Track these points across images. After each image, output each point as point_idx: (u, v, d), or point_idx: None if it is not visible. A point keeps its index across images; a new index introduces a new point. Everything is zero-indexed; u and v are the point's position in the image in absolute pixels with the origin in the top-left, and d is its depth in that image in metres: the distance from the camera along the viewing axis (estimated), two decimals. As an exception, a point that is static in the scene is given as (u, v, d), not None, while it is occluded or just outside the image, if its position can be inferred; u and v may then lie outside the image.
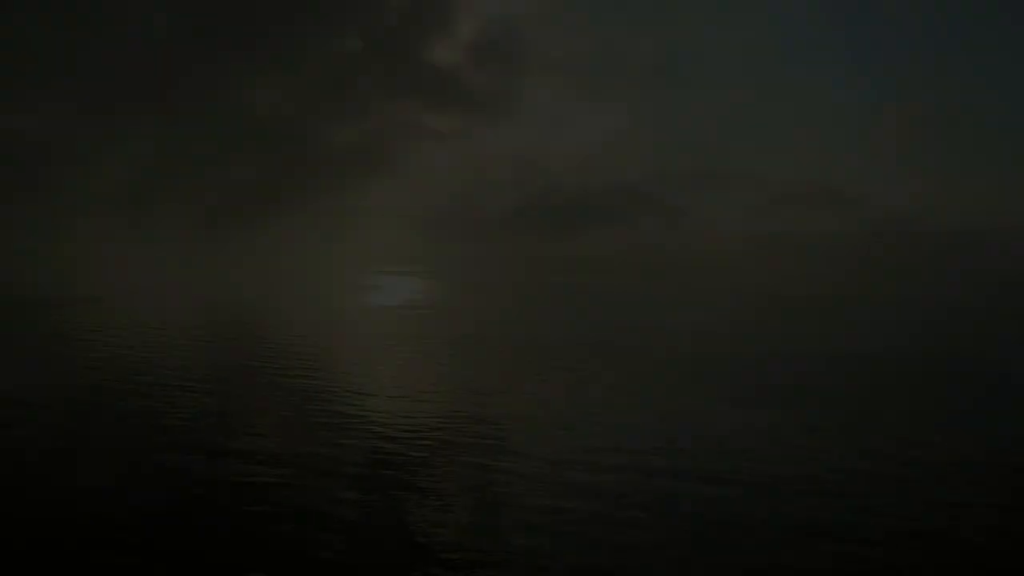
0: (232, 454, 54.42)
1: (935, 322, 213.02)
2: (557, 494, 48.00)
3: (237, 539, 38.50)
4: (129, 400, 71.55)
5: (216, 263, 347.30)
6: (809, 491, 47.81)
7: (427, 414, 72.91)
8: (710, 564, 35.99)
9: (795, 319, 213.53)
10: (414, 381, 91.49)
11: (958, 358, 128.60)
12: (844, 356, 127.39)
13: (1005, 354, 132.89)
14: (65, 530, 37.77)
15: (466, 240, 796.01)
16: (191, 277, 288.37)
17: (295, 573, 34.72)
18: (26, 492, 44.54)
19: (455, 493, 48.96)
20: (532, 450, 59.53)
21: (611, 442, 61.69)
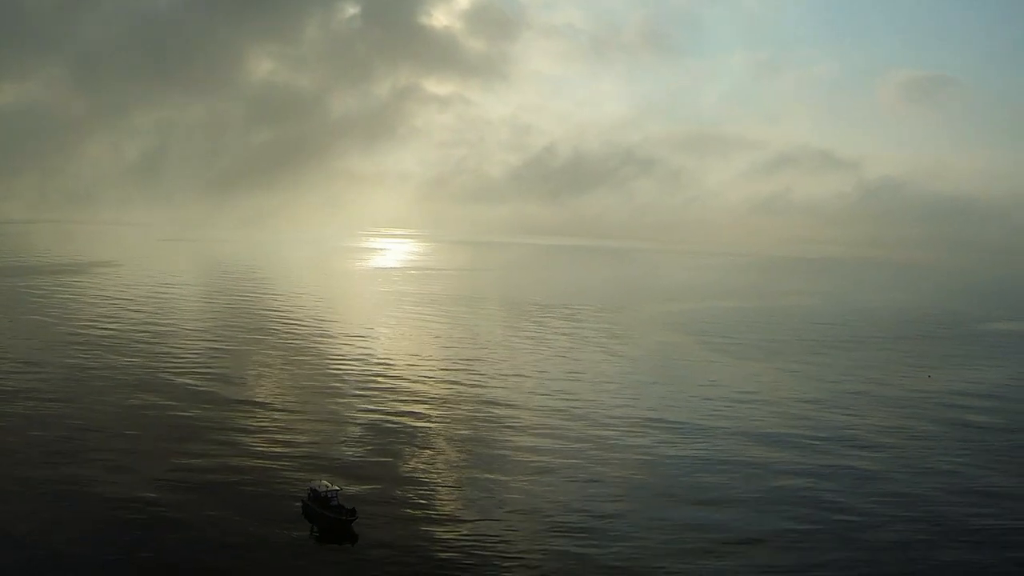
0: (240, 402, 57.73)
1: (925, 282, 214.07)
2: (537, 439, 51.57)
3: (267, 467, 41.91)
4: (134, 356, 74.49)
5: (222, 229, 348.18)
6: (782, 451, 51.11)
7: (408, 365, 75.85)
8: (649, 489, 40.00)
9: (786, 277, 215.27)
10: (406, 335, 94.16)
11: (939, 315, 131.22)
12: (830, 313, 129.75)
13: (985, 313, 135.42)
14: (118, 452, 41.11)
15: (466, 202, 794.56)
16: (198, 242, 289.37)
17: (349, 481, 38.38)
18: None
19: (447, 439, 52.60)
20: (519, 401, 62.86)
21: (596, 400, 64.79)
